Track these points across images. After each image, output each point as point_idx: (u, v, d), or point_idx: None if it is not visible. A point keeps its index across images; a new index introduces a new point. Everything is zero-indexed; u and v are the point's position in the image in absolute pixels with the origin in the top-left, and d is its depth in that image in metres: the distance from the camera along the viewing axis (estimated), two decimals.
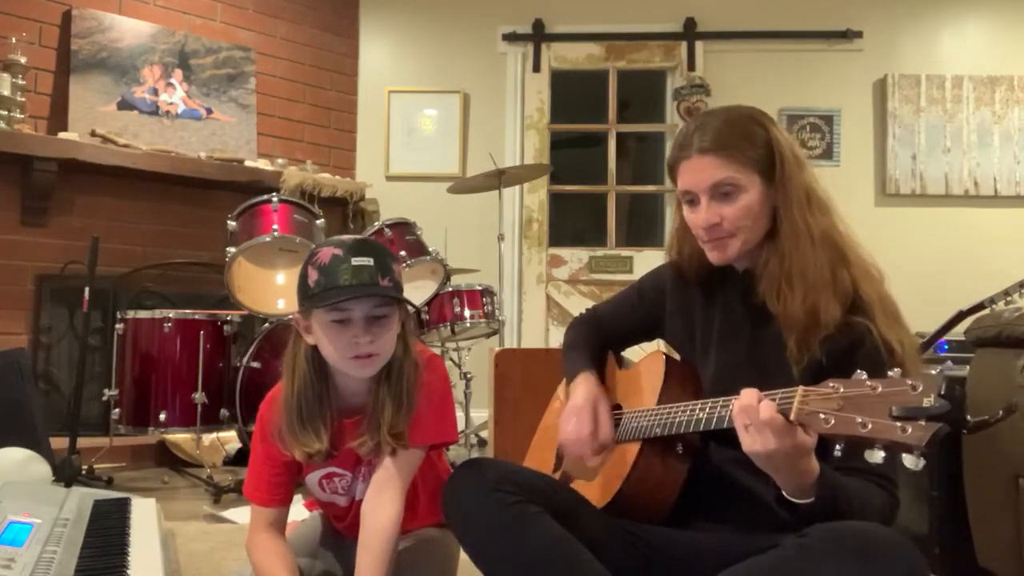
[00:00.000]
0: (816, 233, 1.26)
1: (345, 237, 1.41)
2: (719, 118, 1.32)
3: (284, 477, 1.49)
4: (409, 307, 1.46)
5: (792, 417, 1.02)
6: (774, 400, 1.05)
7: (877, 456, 0.93)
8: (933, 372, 0.92)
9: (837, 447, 0.98)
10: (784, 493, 1.11)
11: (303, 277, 1.38)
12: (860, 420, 0.94)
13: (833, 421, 0.97)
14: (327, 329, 1.37)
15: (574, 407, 1.44)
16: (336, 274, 1.34)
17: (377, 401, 1.41)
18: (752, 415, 1.05)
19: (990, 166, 4.53)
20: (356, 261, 1.35)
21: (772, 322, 1.28)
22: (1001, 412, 1.06)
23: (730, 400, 1.13)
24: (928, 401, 0.89)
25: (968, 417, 0.91)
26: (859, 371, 0.98)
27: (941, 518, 1.86)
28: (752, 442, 1.06)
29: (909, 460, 0.90)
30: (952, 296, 2.15)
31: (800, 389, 1.03)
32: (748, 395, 1.08)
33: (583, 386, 1.48)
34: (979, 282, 2.36)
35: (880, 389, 0.94)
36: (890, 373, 0.95)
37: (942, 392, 0.89)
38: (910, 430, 0.89)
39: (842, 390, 0.97)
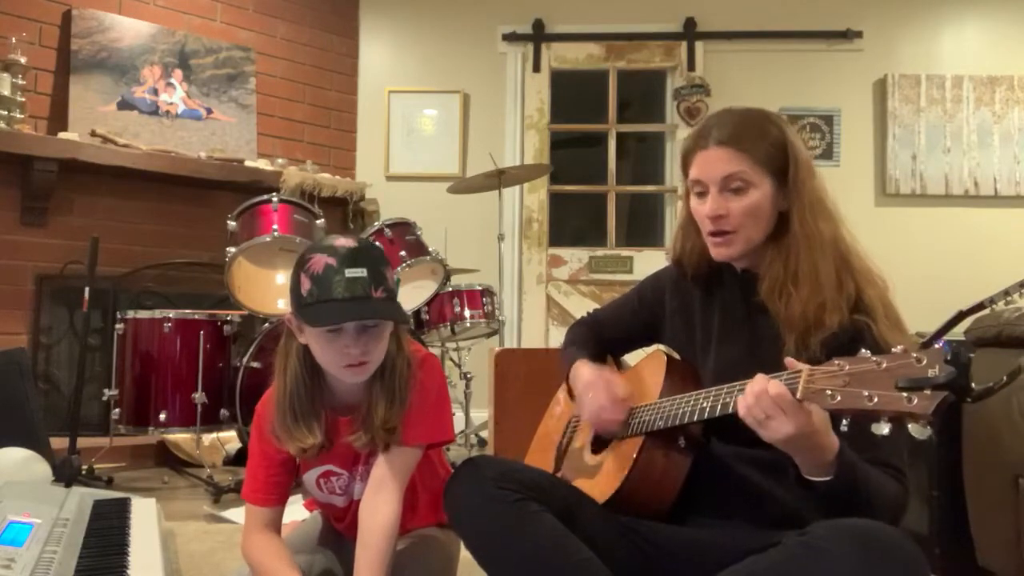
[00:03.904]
0: (825, 238, 1.28)
1: (339, 243, 1.37)
2: (739, 115, 1.34)
3: (281, 476, 1.49)
4: (404, 324, 1.45)
5: (799, 395, 1.03)
6: (779, 380, 1.06)
7: (883, 428, 0.94)
8: (937, 346, 0.92)
9: (844, 422, 0.99)
10: (803, 472, 1.12)
11: (296, 283, 1.37)
12: (867, 394, 0.95)
13: (840, 397, 0.98)
14: (319, 338, 1.36)
15: (586, 384, 1.46)
16: (329, 286, 1.32)
17: (371, 398, 1.41)
18: (762, 398, 1.06)
19: (990, 166, 4.53)
20: (350, 273, 1.32)
21: (771, 320, 1.29)
22: (1005, 377, 1.06)
23: (735, 387, 1.14)
24: (933, 372, 0.90)
25: (973, 385, 0.92)
26: (863, 350, 0.99)
27: (941, 518, 1.86)
28: (769, 432, 1.06)
29: (916, 430, 0.92)
30: (952, 296, 2.14)
31: (806, 368, 1.04)
32: (759, 380, 1.08)
33: (584, 367, 1.50)
34: (979, 282, 2.36)
35: (885, 364, 0.95)
36: (894, 349, 0.96)
37: (948, 359, 0.90)
38: (916, 400, 0.91)
39: (847, 367, 0.99)
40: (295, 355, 1.43)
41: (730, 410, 1.15)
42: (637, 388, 1.46)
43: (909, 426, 0.92)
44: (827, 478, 1.10)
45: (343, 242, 1.37)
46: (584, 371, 1.49)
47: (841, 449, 1.09)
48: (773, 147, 1.29)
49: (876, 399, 0.94)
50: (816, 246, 1.27)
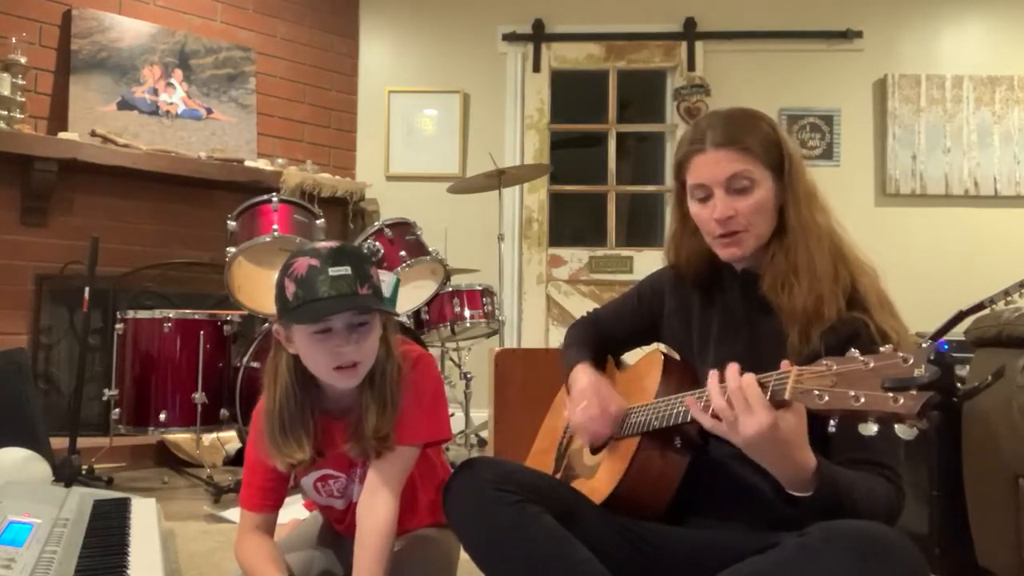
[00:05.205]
0: (822, 231, 1.29)
1: (320, 245, 1.37)
2: (730, 116, 1.34)
3: (276, 483, 1.49)
4: (394, 316, 1.45)
5: (787, 396, 1.03)
6: (769, 381, 1.06)
7: (871, 429, 0.95)
8: (923, 346, 0.93)
9: (831, 422, 0.99)
10: (785, 488, 1.12)
11: (280, 289, 1.36)
12: (853, 394, 0.95)
13: (827, 397, 0.98)
14: (308, 341, 1.35)
15: (580, 391, 1.46)
16: (314, 286, 1.32)
17: (362, 406, 1.41)
18: (734, 393, 1.07)
19: (990, 166, 4.53)
20: (334, 271, 1.32)
21: (771, 319, 1.29)
22: (990, 377, 1.07)
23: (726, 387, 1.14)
24: (919, 371, 0.91)
25: (959, 385, 0.92)
26: (852, 349, 0.99)
27: (941, 518, 1.86)
28: (734, 433, 1.07)
29: (902, 430, 0.92)
30: (952, 296, 2.15)
31: (794, 369, 1.04)
32: (730, 368, 1.09)
33: (583, 373, 1.50)
34: (979, 282, 2.36)
35: (872, 364, 0.95)
36: (882, 348, 0.96)
37: (931, 359, 0.90)
38: (902, 400, 0.91)
39: (835, 367, 0.99)
40: (285, 367, 1.42)
41: None
42: (634, 387, 1.46)
43: (896, 426, 0.92)
44: (808, 493, 1.10)
45: (324, 244, 1.38)
46: (581, 377, 1.49)
47: (819, 465, 1.09)
48: (768, 143, 1.30)
49: (863, 399, 0.94)
50: (814, 238, 1.28)
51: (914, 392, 0.90)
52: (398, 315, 1.38)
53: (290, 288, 1.34)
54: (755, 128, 1.31)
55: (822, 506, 1.10)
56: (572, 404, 1.47)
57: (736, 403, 1.07)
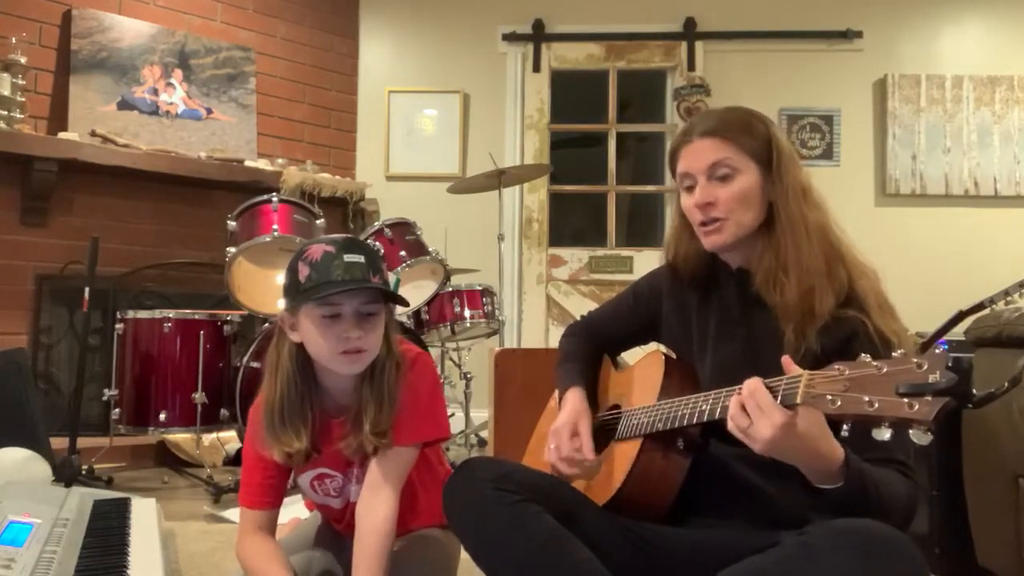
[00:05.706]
0: (811, 226, 1.29)
1: (335, 236, 1.42)
2: (722, 110, 1.37)
3: (275, 480, 1.49)
4: (400, 306, 1.47)
5: (798, 400, 1.03)
6: (779, 386, 1.06)
7: (884, 434, 0.94)
8: (939, 352, 0.92)
9: (844, 427, 0.99)
10: (812, 482, 1.12)
11: (293, 273, 1.39)
12: (867, 399, 0.95)
13: (840, 402, 0.98)
14: (317, 324, 1.37)
15: (555, 428, 1.45)
16: (329, 270, 1.35)
17: (361, 400, 1.42)
18: (747, 400, 1.07)
19: (990, 166, 4.53)
20: (348, 258, 1.36)
21: (768, 318, 1.29)
22: (1007, 384, 1.06)
23: (734, 390, 1.13)
24: (934, 377, 0.90)
25: (974, 391, 0.91)
26: (864, 355, 0.99)
27: (941, 518, 1.86)
28: (751, 440, 1.07)
29: (917, 435, 0.92)
30: (952, 296, 2.14)
31: (805, 373, 1.04)
32: (746, 384, 1.09)
33: (568, 405, 1.49)
34: (979, 282, 2.36)
35: (885, 369, 0.95)
36: (895, 354, 0.96)
37: (949, 365, 0.89)
38: (917, 406, 0.90)
39: (847, 372, 0.99)
40: (287, 356, 1.43)
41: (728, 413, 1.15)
42: (634, 389, 1.46)
43: (910, 432, 0.92)
44: (837, 485, 1.10)
45: (339, 235, 1.42)
46: (564, 411, 1.48)
47: (847, 456, 1.09)
48: (756, 137, 1.32)
49: (877, 404, 0.94)
50: (802, 233, 1.28)
51: (929, 398, 0.89)
52: (407, 304, 1.41)
53: (303, 271, 1.37)
54: (744, 122, 1.33)
55: (851, 498, 1.10)
56: (550, 439, 1.45)
57: (748, 408, 1.07)
